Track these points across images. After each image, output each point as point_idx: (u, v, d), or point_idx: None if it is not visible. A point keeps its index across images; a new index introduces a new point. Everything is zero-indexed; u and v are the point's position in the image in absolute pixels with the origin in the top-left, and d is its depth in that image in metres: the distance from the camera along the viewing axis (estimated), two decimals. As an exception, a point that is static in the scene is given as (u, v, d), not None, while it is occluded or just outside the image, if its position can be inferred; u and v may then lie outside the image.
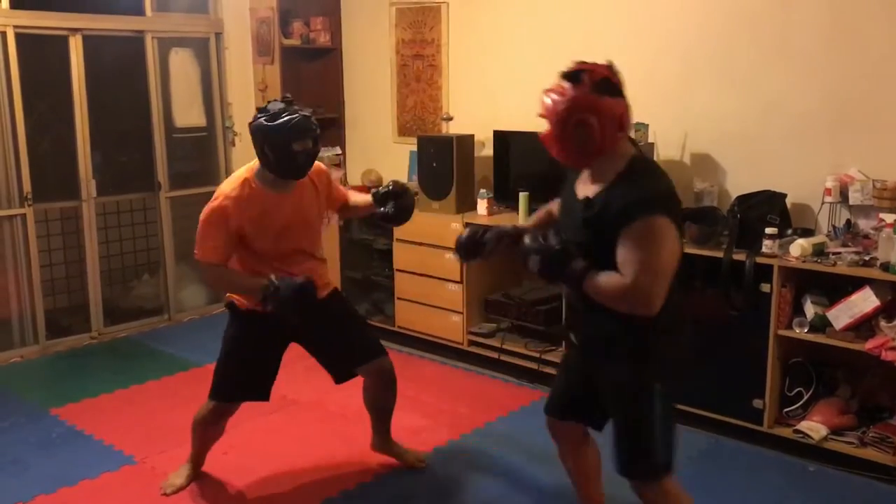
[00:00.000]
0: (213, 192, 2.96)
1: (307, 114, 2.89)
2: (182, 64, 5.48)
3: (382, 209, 3.22)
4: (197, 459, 3.35)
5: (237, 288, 3.06)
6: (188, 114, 5.55)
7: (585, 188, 2.35)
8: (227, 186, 2.92)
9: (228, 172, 5.51)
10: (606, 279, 2.22)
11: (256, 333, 3.06)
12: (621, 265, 2.19)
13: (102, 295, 5.23)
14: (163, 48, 5.34)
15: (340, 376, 3.28)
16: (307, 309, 2.84)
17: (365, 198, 3.34)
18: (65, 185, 5.05)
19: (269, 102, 2.90)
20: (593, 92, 2.21)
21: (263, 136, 2.83)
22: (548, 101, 2.27)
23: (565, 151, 2.30)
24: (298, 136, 2.81)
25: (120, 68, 5.23)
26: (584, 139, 2.23)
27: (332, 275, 5.24)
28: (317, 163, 3.04)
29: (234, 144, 5.66)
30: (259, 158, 2.90)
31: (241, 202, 2.87)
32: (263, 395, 3.19)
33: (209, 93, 5.61)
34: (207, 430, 3.25)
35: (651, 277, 2.16)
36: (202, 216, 2.90)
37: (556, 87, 2.27)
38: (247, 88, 5.60)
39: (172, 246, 5.45)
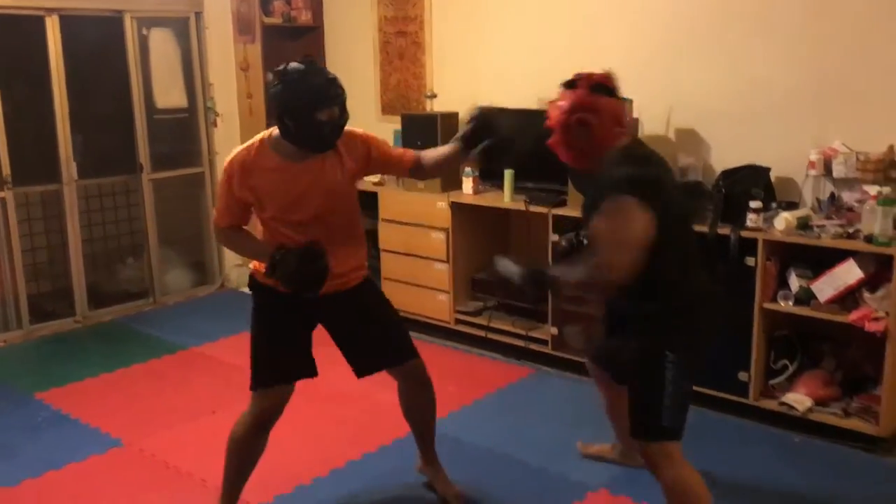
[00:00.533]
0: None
1: (331, 77, 2.56)
2: (162, 44, 5.41)
3: (478, 147, 2.75)
4: (231, 496, 2.83)
5: (246, 253, 2.88)
6: (169, 95, 5.48)
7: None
8: (237, 150, 2.66)
9: (211, 154, 5.46)
10: (574, 270, 2.42)
11: (278, 311, 2.76)
12: (590, 241, 2.37)
13: (86, 279, 5.19)
14: (142, 28, 5.26)
15: (362, 371, 2.93)
16: (312, 279, 2.55)
17: (443, 149, 2.86)
18: (45, 168, 5.00)
19: (287, 64, 2.54)
20: (591, 93, 2.42)
21: (282, 105, 2.51)
22: (552, 109, 2.47)
23: (572, 152, 2.51)
24: (323, 103, 2.49)
25: (99, 49, 5.15)
26: (587, 137, 2.42)
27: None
28: (350, 128, 2.68)
29: (215, 125, 5.59)
30: (279, 129, 2.59)
31: (245, 167, 2.60)
32: (304, 371, 2.81)
33: (190, 73, 5.54)
34: (250, 446, 2.77)
35: (611, 249, 2.29)
36: None
37: (559, 96, 2.48)
38: (228, 68, 5.54)
39: (156, 228, 5.40)
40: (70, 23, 4.91)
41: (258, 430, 2.75)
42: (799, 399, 3.44)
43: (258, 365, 2.76)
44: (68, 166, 4.99)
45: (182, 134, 5.61)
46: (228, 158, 2.67)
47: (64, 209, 5.06)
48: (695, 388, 3.66)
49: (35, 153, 4.99)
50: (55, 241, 5.18)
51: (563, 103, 2.44)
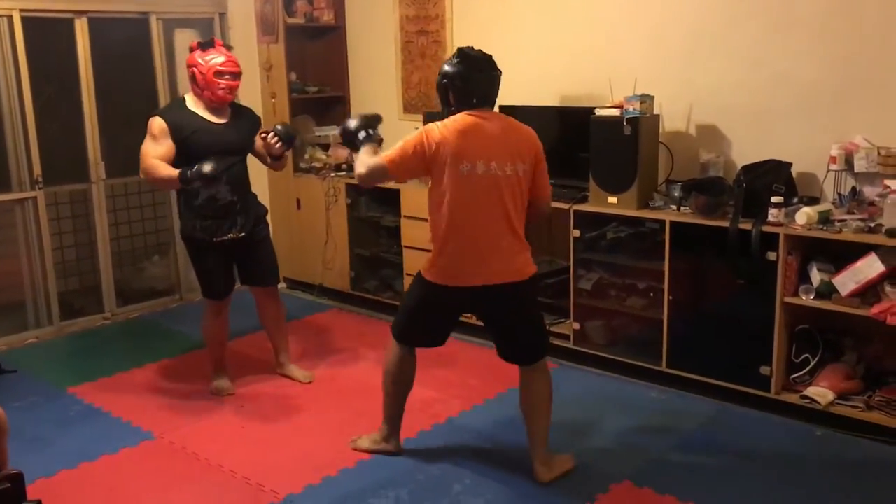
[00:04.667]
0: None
1: None
2: (187, 44, 5.46)
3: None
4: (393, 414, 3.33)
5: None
6: (194, 94, 5.55)
7: None
8: None
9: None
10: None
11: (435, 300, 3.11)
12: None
13: (114, 276, 5.29)
14: (168, 29, 5.35)
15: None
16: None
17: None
18: (74, 168, 5.10)
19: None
20: None
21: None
22: None
23: None
24: None
25: (126, 50, 5.26)
26: None
27: (341, 253, 5.30)
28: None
29: (240, 124, 5.67)
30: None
31: None
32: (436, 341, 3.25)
33: (214, 73, 5.61)
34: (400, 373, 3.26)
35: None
36: None
37: None
38: (252, 68, 5.61)
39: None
40: (98, 25, 5.01)
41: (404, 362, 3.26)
42: (821, 393, 3.46)
43: (405, 325, 3.23)
44: (97, 166, 5.09)
45: (207, 133, 5.69)
46: None
47: (92, 208, 5.17)
48: (717, 381, 3.73)
49: (64, 153, 5.09)
50: (83, 240, 5.28)
51: None
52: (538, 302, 3.25)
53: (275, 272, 4.15)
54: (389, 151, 2.98)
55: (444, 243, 2.96)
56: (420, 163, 2.93)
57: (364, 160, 3.03)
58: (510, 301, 3.04)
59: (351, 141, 3.19)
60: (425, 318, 3.16)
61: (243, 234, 3.84)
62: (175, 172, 3.57)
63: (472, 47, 3.08)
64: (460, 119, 2.95)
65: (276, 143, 3.85)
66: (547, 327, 3.19)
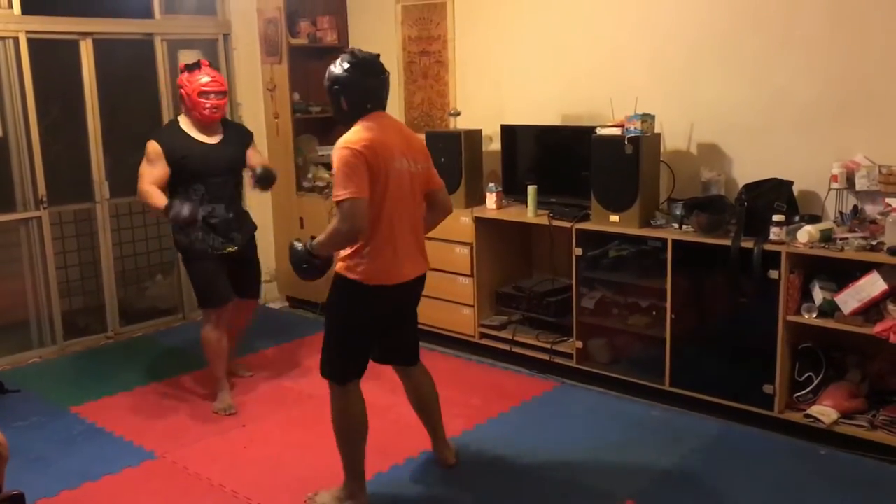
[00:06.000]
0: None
1: None
2: (191, 65, 5.53)
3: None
4: (357, 469, 3.10)
5: None
6: (198, 115, 5.59)
7: None
8: None
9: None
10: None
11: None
12: None
13: (117, 295, 5.30)
14: (172, 50, 5.39)
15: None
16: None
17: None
18: (78, 188, 5.12)
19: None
20: None
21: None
22: None
23: None
24: None
25: (130, 71, 5.30)
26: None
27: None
28: None
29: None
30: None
31: None
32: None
33: (218, 93, 5.65)
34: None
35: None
36: None
37: None
38: (255, 88, 5.66)
39: (185, 246, 5.50)
40: (103, 46, 5.05)
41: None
42: (824, 411, 3.45)
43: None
44: (101, 185, 5.12)
45: (210, 153, 5.73)
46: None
47: (96, 227, 5.19)
48: (720, 400, 3.72)
49: (69, 173, 5.12)
50: (87, 259, 5.30)
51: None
52: None
53: (259, 285, 4.48)
54: (342, 190, 2.76)
55: (385, 243, 2.88)
56: (368, 173, 2.80)
57: (333, 228, 2.81)
58: (416, 294, 3.14)
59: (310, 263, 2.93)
60: (359, 335, 3.00)
61: (237, 248, 4.02)
62: (162, 204, 3.74)
63: (360, 49, 3.02)
64: (365, 127, 2.88)
65: (253, 184, 4.07)
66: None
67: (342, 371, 2.99)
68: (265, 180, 4.04)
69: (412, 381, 3.27)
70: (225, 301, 4.02)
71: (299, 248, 2.93)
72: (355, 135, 2.86)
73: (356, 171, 2.76)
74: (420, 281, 3.10)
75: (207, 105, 3.89)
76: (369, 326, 3.02)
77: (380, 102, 3.01)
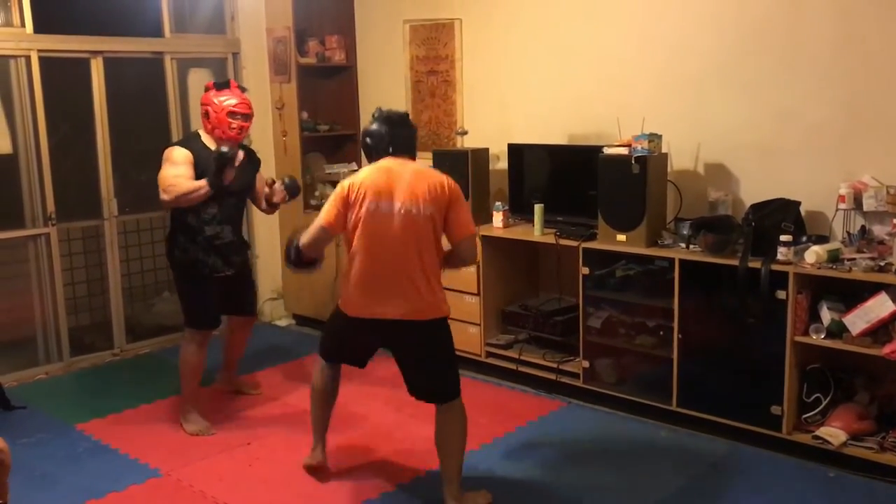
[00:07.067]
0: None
1: None
2: (200, 84, 5.52)
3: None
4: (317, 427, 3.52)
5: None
6: (207, 133, 5.62)
7: None
8: None
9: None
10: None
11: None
12: None
13: (124, 312, 5.31)
14: (182, 69, 5.44)
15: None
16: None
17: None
18: (87, 205, 5.15)
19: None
20: None
21: None
22: None
23: None
24: None
25: (140, 89, 5.34)
26: None
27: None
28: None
29: (252, 162, 5.74)
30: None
31: None
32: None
33: (227, 112, 5.68)
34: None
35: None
36: None
37: None
38: (264, 107, 5.68)
39: (192, 263, 5.51)
40: (113, 65, 5.10)
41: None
42: (833, 433, 3.42)
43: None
44: (109, 203, 5.14)
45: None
46: None
47: (104, 244, 5.20)
48: (728, 421, 3.69)
49: (78, 190, 5.15)
50: (94, 276, 5.31)
51: None
52: (447, 345, 3.24)
53: (255, 302, 4.59)
54: (322, 214, 3.18)
55: (348, 276, 3.15)
56: (345, 208, 3.11)
57: (306, 233, 3.25)
58: (409, 339, 3.14)
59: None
60: (339, 339, 3.36)
61: (234, 271, 4.05)
62: (202, 181, 3.76)
63: (391, 109, 3.31)
64: (374, 164, 3.18)
65: (282, 194, 4.12)
66: (457, 371, 3.24)
67: (321, 348, 3.46)
68: (294, 189, 4.14)
69: (437, 420, 3.21)
70: (214, 325, 4.06)
71: (293, 241, 3.34)
72: (357, 173, 3.22)
73: (331, 202, 3.15)
74: (408, 326, 3.07)
75: (234, 126, 3.89)
76: (341, 336, 3.35)
77: (402, 149, 3.21)
